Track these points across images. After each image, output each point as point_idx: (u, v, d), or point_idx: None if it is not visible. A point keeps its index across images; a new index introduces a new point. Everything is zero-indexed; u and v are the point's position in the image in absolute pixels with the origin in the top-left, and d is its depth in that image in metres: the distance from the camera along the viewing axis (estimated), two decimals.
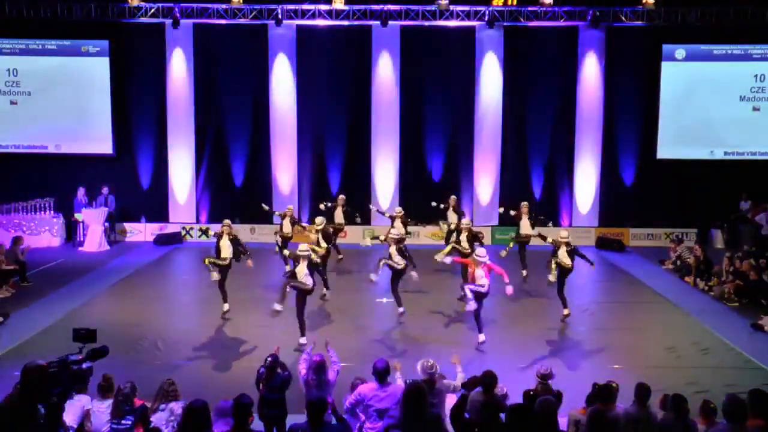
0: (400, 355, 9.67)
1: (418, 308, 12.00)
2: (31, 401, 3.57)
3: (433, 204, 15.59)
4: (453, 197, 15.69)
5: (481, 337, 10.24)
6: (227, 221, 11.94)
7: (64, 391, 3.72)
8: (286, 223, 14.56)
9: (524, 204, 14.36)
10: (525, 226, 14.12)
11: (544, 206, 18.92)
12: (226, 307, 11.62)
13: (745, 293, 12.91)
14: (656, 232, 18.64)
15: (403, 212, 14.68)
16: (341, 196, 15.79)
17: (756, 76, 18.68)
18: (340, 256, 15.51)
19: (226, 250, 11.45)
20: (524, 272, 13.94)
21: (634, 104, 18.97)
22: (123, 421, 6.09)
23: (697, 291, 13.91)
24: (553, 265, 11.21)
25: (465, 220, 13.49)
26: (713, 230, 18.53)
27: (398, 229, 13.80)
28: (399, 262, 11.22)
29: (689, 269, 14.69)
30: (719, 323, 11.60)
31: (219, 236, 11.59)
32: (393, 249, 11.31)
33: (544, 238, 12.48)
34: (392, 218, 14.52)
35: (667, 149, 18.86)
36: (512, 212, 14.40)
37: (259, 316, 11.67)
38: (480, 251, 10.31)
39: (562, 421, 6.09)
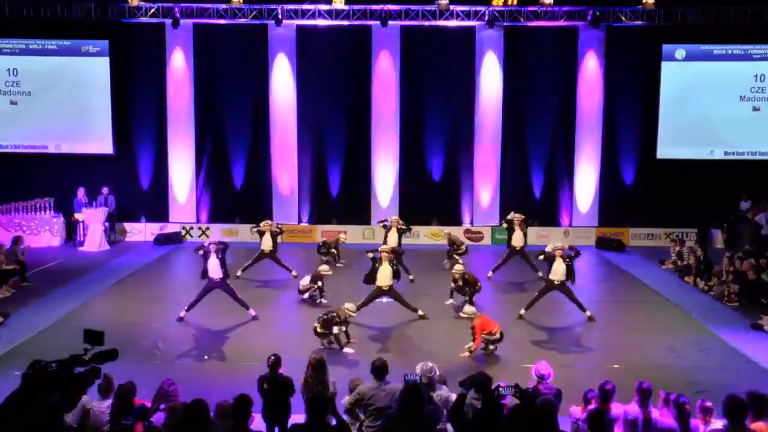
0: (399, 355, 9.68)
1: (418, 308, 11.98)
2: (33, 400, 3.57)
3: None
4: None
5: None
6: (213, 240, 11.63)
7: (67, 392, 3.71)
8: (266, 238, 14.02)
9: (518, 216, 14.05)
10: (517, 238, 14.01)
11: (545, 206, 18.98)
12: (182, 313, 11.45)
13: (745, 293, 12.91)
14: (656, 232, 18.65)
15: (398, 220, 14.44)
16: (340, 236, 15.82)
17: (756, 76, 18.68)
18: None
19: (215, 270, 11.15)
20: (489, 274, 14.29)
21: (634, 104, 18.97)
22: (123, 421, 6.09)
23: (697, 291, 13.91)
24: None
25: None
26: (713, 230, 18.54)
27: (392, 240, 13.81)
28: (383, 278, 11.11)
29: (689, 269, 14.69)
30: (719, 323, 11.60)
31: (207, 254, 11.11)
32: (384, 266, 11.16)
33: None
34: (386, 228, 14.23)
35: (667, 149, 18.86)
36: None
37: (260, 316, 11.68)
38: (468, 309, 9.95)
39: (562, 420, 6.09)
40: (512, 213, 14.30)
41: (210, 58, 18.89)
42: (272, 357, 6.85)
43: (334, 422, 5.66)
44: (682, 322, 11.81)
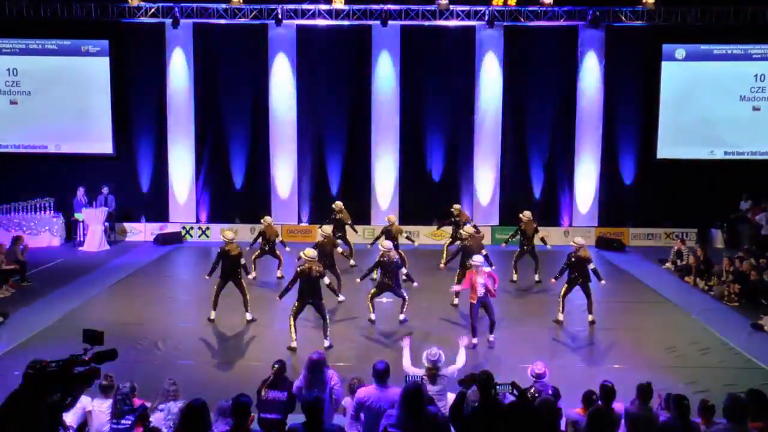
0: (399, 355, 9.66)
1: (418, 308, 11.98)
2: (33, 400, 3.57)
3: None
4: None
5: (475, 340, 10.30)
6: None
7: (67, 392, 3.70)
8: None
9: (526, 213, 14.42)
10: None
11: (544, 206, 18.97)
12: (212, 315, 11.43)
13: (745, 293, 12.91)
14: (656, 232, 18.64)
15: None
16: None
17: (756, 76, 18.68)
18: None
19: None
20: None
21: (634, 104, 18.96)
22: (123, 421, 6.10)
23: (697, 291, 13.91)
24: None
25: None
26: (713, 230, 18.53)
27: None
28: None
29: (689, 269, 14.69)
30: (719, 323, 11.60)
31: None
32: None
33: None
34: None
35: (667, 149, 18.86)
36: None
37: (259, 316, 11.68)
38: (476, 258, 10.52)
39: (561, 421, 6.09)
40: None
41: (210, 58, 18.88)
42: (276, 365, 6.64)
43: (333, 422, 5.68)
44: (682, 322, 11.81)
